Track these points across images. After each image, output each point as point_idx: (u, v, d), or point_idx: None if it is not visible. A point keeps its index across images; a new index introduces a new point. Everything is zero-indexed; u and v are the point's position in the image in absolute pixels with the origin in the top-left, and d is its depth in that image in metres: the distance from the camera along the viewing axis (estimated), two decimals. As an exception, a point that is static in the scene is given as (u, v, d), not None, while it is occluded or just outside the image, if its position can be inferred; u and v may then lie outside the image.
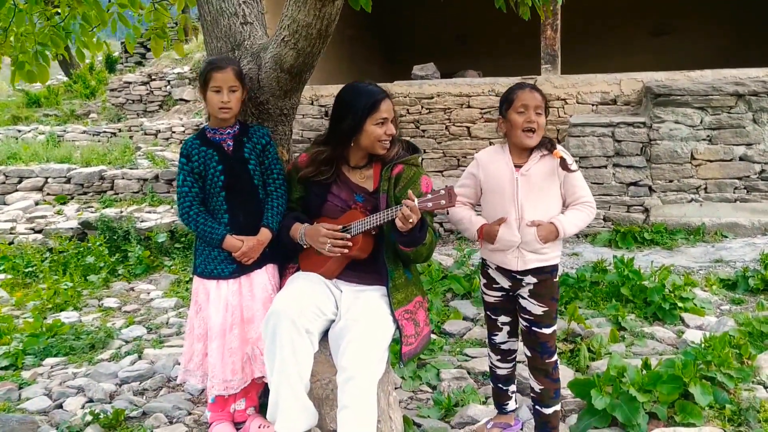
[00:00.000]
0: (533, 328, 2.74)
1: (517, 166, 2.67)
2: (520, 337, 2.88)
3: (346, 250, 2.63)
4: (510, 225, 2.66)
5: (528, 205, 2.64)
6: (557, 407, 2.82)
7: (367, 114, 2.64)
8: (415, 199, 2.44)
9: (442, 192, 2.43)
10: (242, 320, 2.90)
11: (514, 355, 2.96)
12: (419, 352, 2.74)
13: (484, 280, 2.88)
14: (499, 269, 2.77)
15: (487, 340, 3.00)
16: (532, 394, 2.84)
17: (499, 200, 2.68)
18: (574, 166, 2.66)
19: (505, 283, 2.78)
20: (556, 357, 2.79)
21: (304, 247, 2.77)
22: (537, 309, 2.72)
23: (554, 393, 2.79)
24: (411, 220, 2.44)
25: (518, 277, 2.72)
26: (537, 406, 2.82)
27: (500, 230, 2.66)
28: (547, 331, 2.73)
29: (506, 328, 2.89)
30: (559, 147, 2.68)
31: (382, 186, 2.71)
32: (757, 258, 5.52)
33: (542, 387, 2.78)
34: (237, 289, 2.90)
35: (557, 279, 2.78)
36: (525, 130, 2.62)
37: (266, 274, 2.94)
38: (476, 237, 2.72)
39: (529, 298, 2.72)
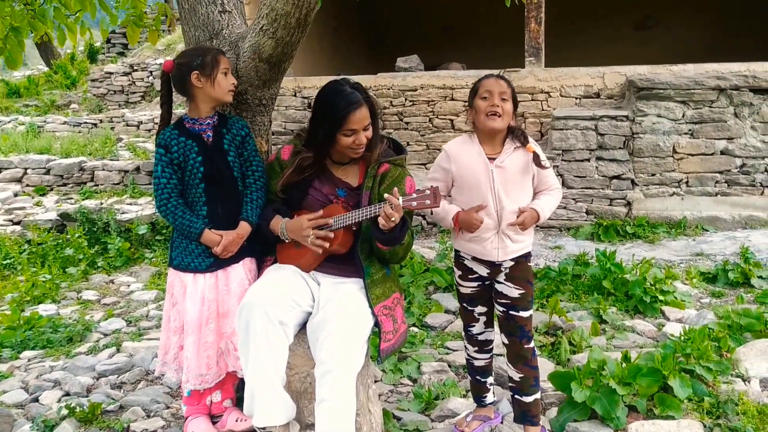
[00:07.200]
0: (510, 312, 2.74)
1: (490, 158, 2.68)
2: (496, 328, 2.88)
3: (327, 244, 2.60)
4: (490, 215, 2.65)
5: (505, 195, 2.66)
6: (537, 395, 2.81)
7: (338, 127, 2.60)
8: (400, 198, 2.42)
9: (427, 192, 2.43)
10: (218, 314, 2.87)
11: (491, 346, 2.96)
12: (397, 349, 2.72)
13: (459, 272, 2.87)
14: (476, 259, 2.76)
15: (463, 332, 3.00)
16: (511, 384, 2.83)
17: (476, 192, 2.68)
18: (546, 163, 2.71)
19: (483, 271, 2.77)
20: (533, 344, 2.79)
21: (285, 241, 2.74)
22: (514, 292, 2.72)
23: (534, 381, 2.79)
24: (393, 219, 2.42)
25: (496, 263, 2.73)
26: (516, 396, 2.81)
27: (484, 219, 2.66)
28: (524, 314, 2.74)
29: (483, 319, 2.89)
30: (531, 141, 2.70)
31: (366, 183, 2.69)
32: (737, 251, 5.55)
33: (522, 375, 2.78)
34: (214, 283, 2.87)
35: (531, 263, 2.82)
36: (489, 114, 2.64)
37: (243, 268, 2.90)
38: (452, 225, 2.71)
39: (505, 282, 2.73)
